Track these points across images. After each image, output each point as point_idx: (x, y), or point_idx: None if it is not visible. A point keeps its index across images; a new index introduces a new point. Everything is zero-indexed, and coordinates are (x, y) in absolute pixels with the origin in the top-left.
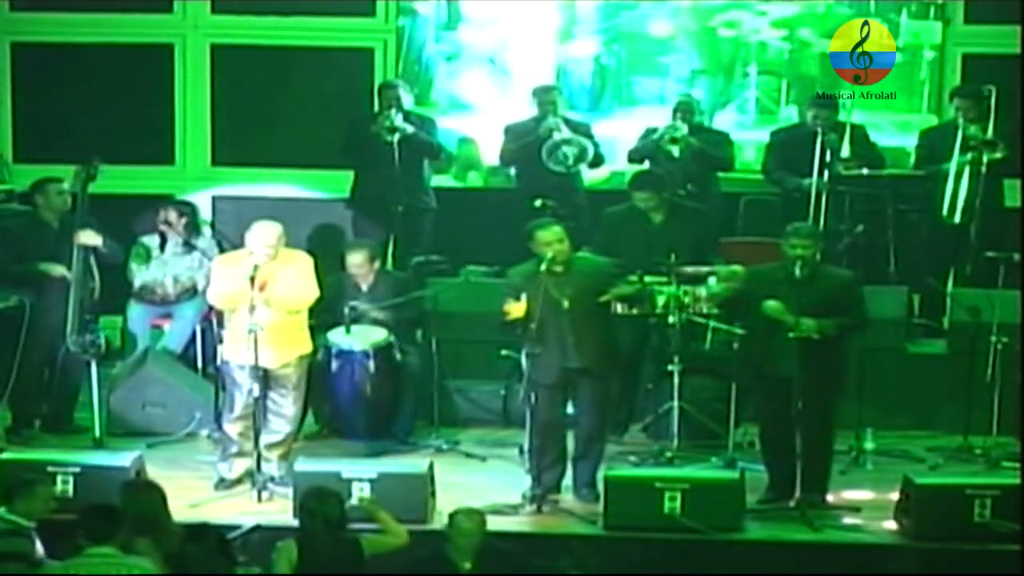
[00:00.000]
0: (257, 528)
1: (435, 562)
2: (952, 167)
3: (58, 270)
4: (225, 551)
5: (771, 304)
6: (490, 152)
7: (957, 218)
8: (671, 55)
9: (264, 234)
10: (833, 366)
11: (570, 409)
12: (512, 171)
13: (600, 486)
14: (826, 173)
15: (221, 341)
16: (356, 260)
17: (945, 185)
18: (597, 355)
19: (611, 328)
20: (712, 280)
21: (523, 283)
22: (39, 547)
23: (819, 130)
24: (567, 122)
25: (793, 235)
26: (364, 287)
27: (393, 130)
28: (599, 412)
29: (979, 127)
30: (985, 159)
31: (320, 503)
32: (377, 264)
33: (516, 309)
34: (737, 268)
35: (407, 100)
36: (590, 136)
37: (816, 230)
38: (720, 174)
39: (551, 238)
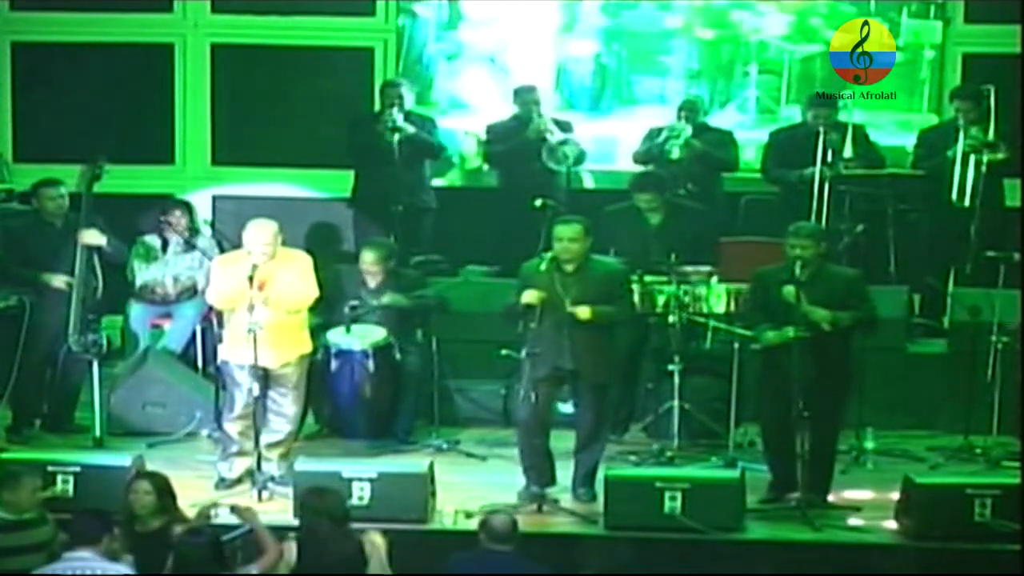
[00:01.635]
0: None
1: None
2: (957, 152)
3: (59, 281)
4: (219, 553)
5: (788, 289)
6: None
7: (966, 201)
8: (671, 54)
9: (260, 233)
10: (842, 366)
11: (569, 409)
12: (495, 171)
13: (598, 487)
14: (826, 172)
15: (221, 341)
16: (369, 258)
17: (952, 170)
18: (590, 359)
19: (610, 335)
20: (713, 280)
21: (530, 277)
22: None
23: (820, 129)
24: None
25: (793, 235)
26: (372, 285)
27: (395, 129)
28: (595, 415)
29: (979, 127)
30: (985, 159)
31: (323, 501)
32: (391, 264)
33: (533, 296)
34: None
35: (409, 99)
36: (570, 132)
37: (817, 229)
38: (723, 174)
39: (564, 234)
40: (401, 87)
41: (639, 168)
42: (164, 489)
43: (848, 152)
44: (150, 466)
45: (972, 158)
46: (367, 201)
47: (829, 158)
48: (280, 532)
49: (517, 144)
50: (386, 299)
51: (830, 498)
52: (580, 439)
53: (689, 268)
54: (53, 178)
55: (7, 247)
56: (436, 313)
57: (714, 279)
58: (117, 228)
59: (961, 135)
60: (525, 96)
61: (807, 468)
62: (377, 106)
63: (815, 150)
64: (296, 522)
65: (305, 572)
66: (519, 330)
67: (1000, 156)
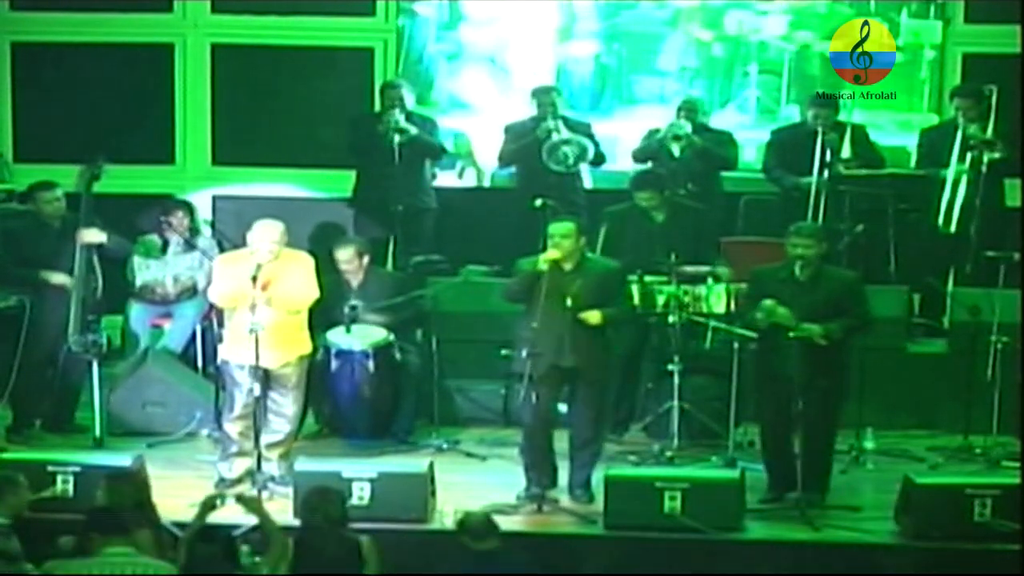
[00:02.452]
0: (258, 527)
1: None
2: (949, 175)
3: (58, 278)
4: (230, 553)
5: (781, 311)
6: (486, 150)
7: (952, 227)
8: (671, 54)
9: (267, 232)
10: (836, 368)
11: (563, 408)
12: (512, 171)
13: (595, 487)
14: (826, 172)
15: (221, 341)
16: (344, 256)
17: (942, 192)
18: (589, 357)
19: (607, 332)
20: (718, 287)
21: (529, 273)
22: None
23: (819, 129)
24: (566, 121)
25: (795, 235)
26: (354, 284)
27: (399, 131)
28: (593, 415)
29: (979, 127)
30: (985, 159)
31: (322, 501)
32: (367, 261)
33: (554, 253)
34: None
35: (409, 100)
36: (590, 135)
37: (819, 229)
38: (722, 174)
39: (555, 231)
40: (401, 88)
41: (639, 168)
42: (120, 499)
43: (847, 152)
44: (150, 466)
45: (964, 182)
46: (367, 201)
47: (828, 158)
48: (285, 532)
49: (527, 144)
50: (371, 316)
51: (830, 498)
52: (578, 439)
53: (690, 268)
54: (49, 181)
55: (5, 247)
56: (421, 322)
57: (724, 270)
58: (117, 228)
59: (958, 143)
60: (541, 97)
61: (804, 468)
62: (377, 107)
63: (816, 149)
64: (296, 522)
65: (301, 570)
66: (524, 307)
67: (997, 155)
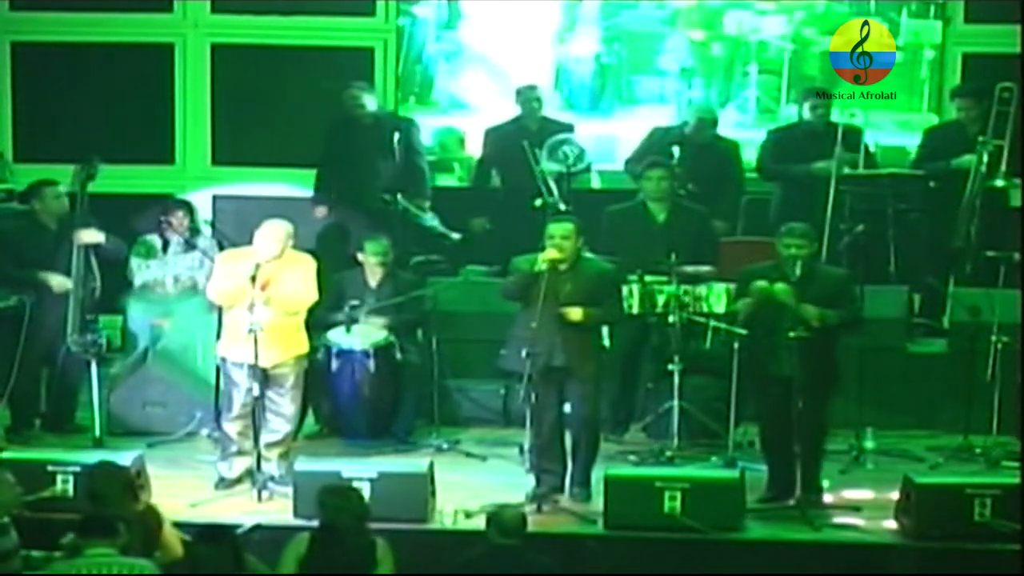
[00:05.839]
0: (258, 528)
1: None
2: (974, 164)
3: (58, 280)
4: (235, 553)
5: (780, 287)
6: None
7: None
8: (671, 54)
9: (269, 231)
10: (825, 365)
11: (567, 408)
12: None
13: (594, 486)
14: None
15: (219, 339)
16: (377, 249)
17: (964, 183)
18: (579, 356)
19: (597, 333)
20: (718, 287)
21: (526, 270)
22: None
23: (835, 126)
24: (548, 122)
25: (787, 235)
26: (373, 283)
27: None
28: (587, 413)
29: (979, 126)
30: (985, 158)
31: (344, 499)
32: (390, 259)
33: (552, 253)
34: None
35: (370, 102)
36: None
37: (810, 230)
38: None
39: (553, 232)
40: (363, 92)
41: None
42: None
43: (840, 151)
44: (150, 466)
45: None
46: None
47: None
48: (280, 532)
49: (515, 147)
50: (375, 319)
51: (830, 498)
52: (574, 437)
53: (690, 268)
54: (50, 179)
55: (3, 248)
56: (422, 322)
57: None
58: (117, 228)
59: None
60: (527, 95)
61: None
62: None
63: (813, 148)
64: (296, 522)
65: (316, 567)
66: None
67: (998, 183)
